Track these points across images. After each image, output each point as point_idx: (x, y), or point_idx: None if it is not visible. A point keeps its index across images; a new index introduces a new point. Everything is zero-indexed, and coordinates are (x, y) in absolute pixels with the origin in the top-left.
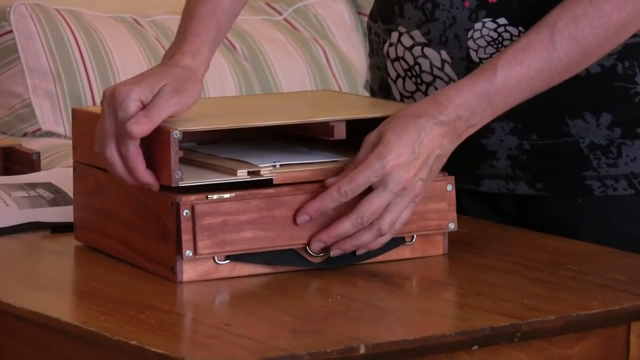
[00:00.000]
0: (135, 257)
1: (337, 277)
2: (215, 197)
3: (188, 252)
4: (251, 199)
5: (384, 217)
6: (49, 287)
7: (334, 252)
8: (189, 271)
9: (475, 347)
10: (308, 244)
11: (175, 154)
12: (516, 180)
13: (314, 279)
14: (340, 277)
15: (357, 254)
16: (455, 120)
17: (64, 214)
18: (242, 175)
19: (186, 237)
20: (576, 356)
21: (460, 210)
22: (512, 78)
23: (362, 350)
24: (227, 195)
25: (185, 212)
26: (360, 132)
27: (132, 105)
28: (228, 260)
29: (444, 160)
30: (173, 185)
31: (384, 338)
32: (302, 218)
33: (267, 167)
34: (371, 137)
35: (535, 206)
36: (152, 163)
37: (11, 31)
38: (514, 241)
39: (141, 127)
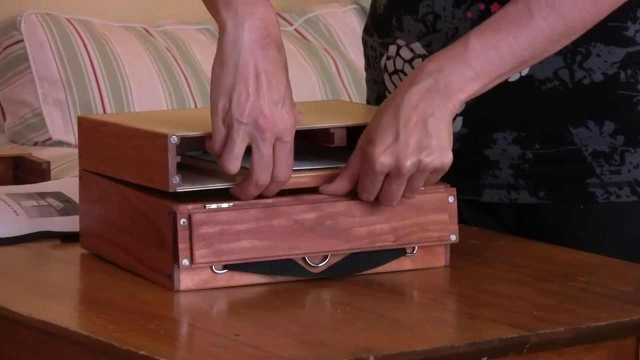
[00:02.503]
0: (135, 264)
1: (341, 287)
2: (213, 206)
3: (185, 261)
4: (249, 208)
5: (407, 190)
6: (57, 295)
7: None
8: (186, 280)
9: (485, 359)
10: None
11: (172, 159)
12: (518, 189)
13: (316, 289)
14: (344, 287)
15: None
16: (433, 84)
17: (73, 223)
18: (240, 181)
19: (183, 246)
20: None
21: (460, 220)
22: (487, 42)
23: None
24: (224, 205)
25: (182, 221)
26: None
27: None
28: (226, 270)
29: (444, 119)
30: (170, 190)
31: (393, 349)
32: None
33: None
34: (361, 139)
35: (536, 214)
36: (151, 168)
37: (22, 40)
38: (524, 252)
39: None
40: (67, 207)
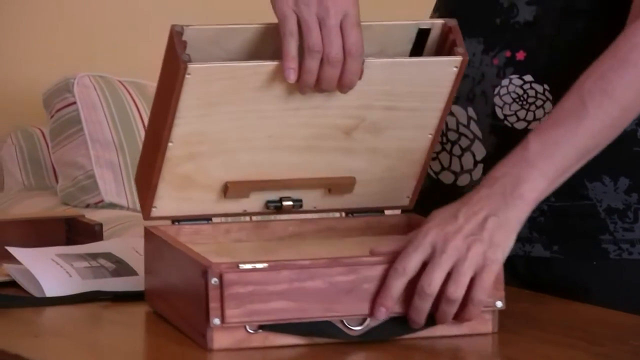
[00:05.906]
0: (180, 321)
1: (386, 350)
2: (247, 266)
3: (215, 320)
4: (282, 269)
5: (448, 285)
6: (111, 357)
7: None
8: (220, 339)
9: None
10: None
11: (179, 42)
12: (532, 243)
13: (360, 351)
14: (390, 351)
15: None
16: (499, 188)
17: (125, 284)
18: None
19: (214, 305)
20: None
21: None
22: (547, 139)
23: None
24: (259, 266)
25: (214, 281)
26: None
27: None
28: (260, 330)
29: (507, 222)
30: (182, 67)
31: None
32: (380, 312)
33: None
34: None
35: (549, 268)
36: (168, 79)
37: (75, 102)
38: (576, 315)
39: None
40: (118, 268)
